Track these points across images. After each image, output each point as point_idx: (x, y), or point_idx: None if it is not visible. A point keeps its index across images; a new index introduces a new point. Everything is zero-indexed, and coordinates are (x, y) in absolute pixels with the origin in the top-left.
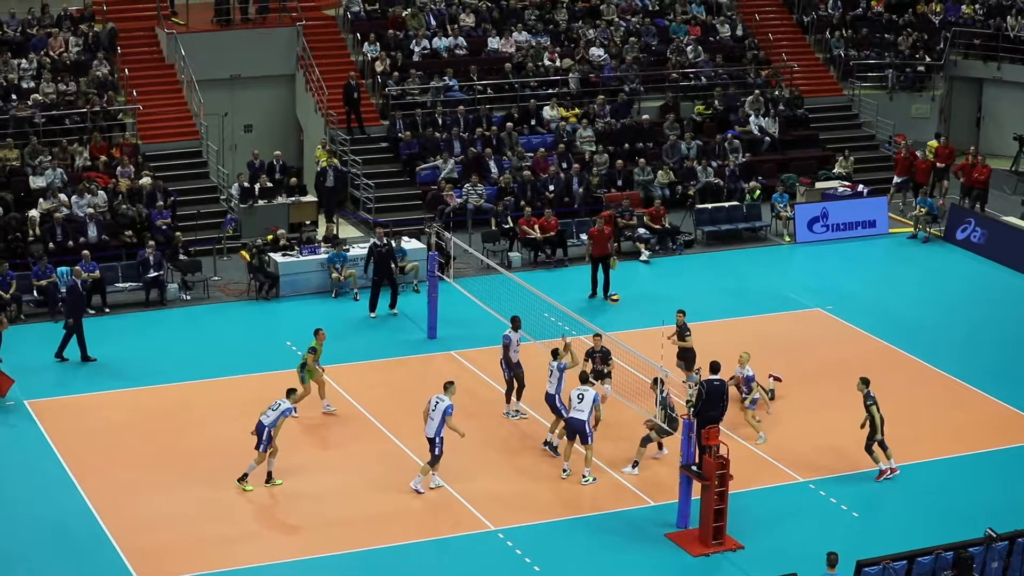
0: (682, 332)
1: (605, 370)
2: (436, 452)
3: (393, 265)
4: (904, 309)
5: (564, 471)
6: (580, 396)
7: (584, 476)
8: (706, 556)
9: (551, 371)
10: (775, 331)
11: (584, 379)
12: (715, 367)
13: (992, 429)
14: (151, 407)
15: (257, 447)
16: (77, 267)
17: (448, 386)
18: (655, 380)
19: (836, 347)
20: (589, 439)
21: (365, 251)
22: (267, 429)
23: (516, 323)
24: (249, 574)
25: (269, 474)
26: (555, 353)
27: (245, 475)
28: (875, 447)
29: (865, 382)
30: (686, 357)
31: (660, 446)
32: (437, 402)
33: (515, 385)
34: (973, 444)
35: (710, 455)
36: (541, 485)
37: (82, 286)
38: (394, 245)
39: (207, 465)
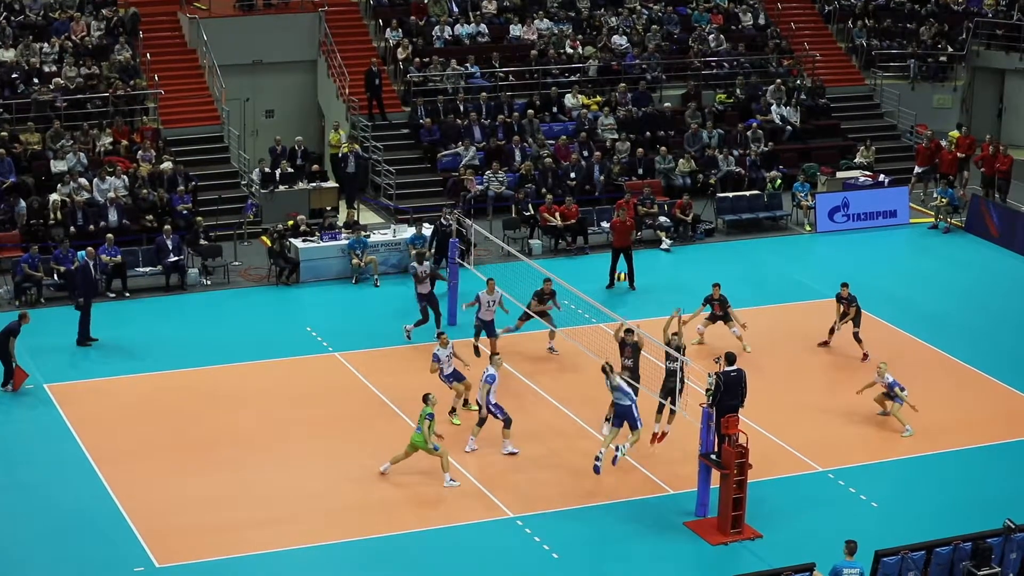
0: None
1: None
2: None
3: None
4: (924, 299)
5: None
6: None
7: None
8: (724, 545)
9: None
10: (795, 320)
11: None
12: (731, 358)
13: (1011, 419)
14: (171, 391)
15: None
16: (91, 249)
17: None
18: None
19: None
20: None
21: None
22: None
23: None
24: (268, 559)
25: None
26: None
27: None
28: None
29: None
30: None
31: None
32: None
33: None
34: (992, 434)
35: (729, 444)
36: (560, 473)
37: (102, 269)
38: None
39: (226, 450)
